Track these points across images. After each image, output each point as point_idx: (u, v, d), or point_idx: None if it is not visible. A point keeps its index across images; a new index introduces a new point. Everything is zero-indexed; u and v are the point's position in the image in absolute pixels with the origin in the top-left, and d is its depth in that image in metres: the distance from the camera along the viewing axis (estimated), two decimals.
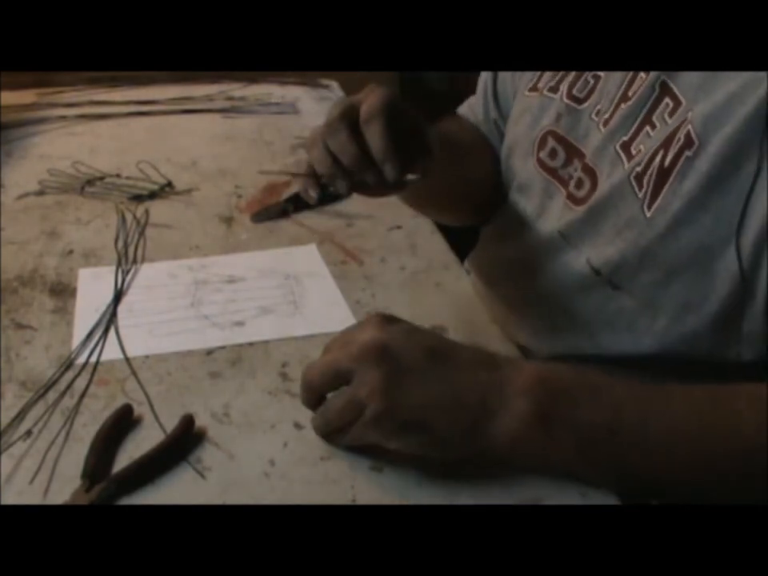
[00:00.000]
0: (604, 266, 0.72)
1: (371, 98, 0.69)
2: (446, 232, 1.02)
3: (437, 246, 0.98)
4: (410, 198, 0.93)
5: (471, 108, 1.01)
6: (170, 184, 1.11)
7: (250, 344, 0.79)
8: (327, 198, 1.09)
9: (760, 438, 0.57)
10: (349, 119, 0.69)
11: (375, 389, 0.57)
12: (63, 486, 0.62)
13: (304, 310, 0.84)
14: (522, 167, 0.85)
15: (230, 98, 1.44)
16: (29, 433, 0.67)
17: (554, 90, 0.82)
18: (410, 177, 0.69)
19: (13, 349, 0.78)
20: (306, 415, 0.69)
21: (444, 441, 0.59)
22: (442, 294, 0.88)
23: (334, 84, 1.54)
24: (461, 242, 1.01)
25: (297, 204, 1.05)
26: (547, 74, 0.84)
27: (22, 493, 0.62)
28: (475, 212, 0.97)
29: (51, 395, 0.72)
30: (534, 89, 0.85)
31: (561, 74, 0.81)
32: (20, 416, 0.69)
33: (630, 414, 0.59)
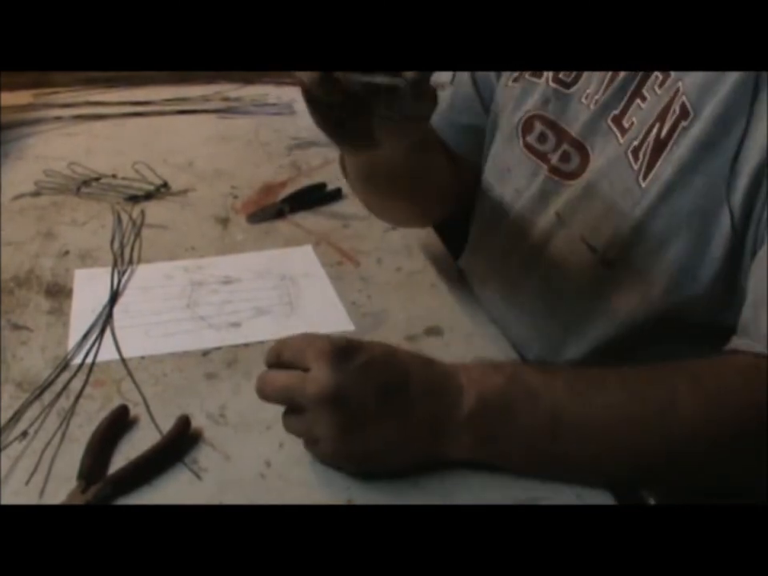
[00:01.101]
0: (599, 242, 0.73)
1: None
2: (442, 233, 1.02)
3: (432, 247, 0.98)
4: (365, 173, 0.85)
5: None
6: (165, 185, 1.11)
7: (246, 345, 0.79)
8: (324, 197, 1.09)
9: (696, 416, 0.59)
10: None
11: (328, 436, 0.60)
12: (59, 486, 0.62)
13: (300, 311, 0.84)
14: (504, 152, 0.85)
15: (226, 99, 1.43)
16: (25, 434, 0.67)
17: (537, 74, 0.81)
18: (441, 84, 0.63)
19: (9, 350, 0.78)
20: None
21: (399, 467, 0.62)
22: (438, 294, 0.88)
23: None
24: (456, 242, 1.01)
25: (293, 205, 1.06)
26: None
27: (17, 493, 0.62)
28: (427, 207, 0.92)
29: (47, 396, 0.72)
30: (516, 80, 0.84)
31: None
32: (16, 417, 0.69)
33: (567, 413, 0.60)
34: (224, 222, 1.03)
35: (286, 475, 0.64)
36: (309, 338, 0.63)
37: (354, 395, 0.59)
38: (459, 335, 0.81)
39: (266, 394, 0.64)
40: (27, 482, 0.62)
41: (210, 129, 1.33)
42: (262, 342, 0.78)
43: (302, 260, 0.94)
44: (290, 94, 1.46)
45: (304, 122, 1.35)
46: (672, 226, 0.67)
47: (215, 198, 1.09)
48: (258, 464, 0.65)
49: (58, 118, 1.34)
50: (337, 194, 1.09)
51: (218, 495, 0.62)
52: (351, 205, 1.05)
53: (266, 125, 1.34)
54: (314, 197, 1.09)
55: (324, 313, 0.84)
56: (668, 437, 0.59)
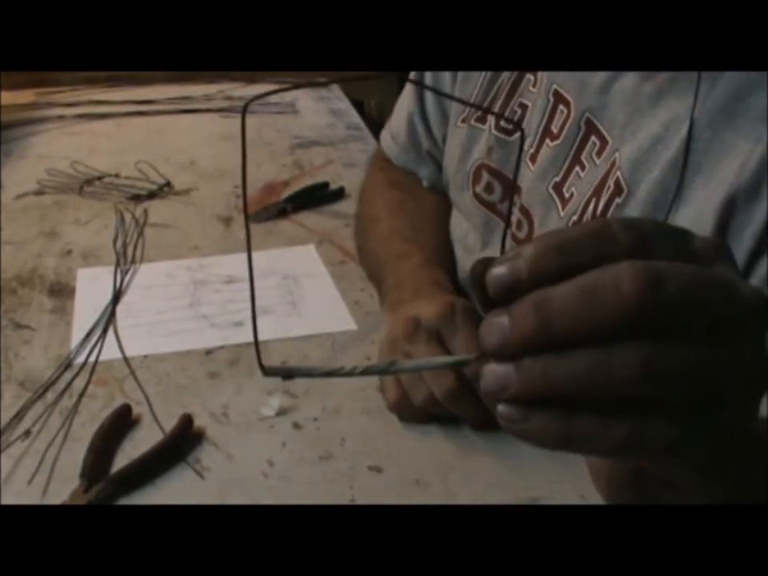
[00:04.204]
0: None
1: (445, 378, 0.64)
2: None
3: None
4: None
5: (392, 149, 0.94)
6: (168, 184, 1.11)
7: (249, 344, 0.79)
8: (327, 196, 1.09)
9: None
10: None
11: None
12: (62, 486, 0.62)
13: (302, 311, 0.84)
14: (461, 200, 0.83)
15: (229, 98, 1.44)
16: (27, 433, 0.67)
17: (482, 120, 0.79)
18: None
19: (11, 349, 0.78)
20: (304, 415, 0.69)
21: None
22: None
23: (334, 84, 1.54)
24: None
25: (295, 204, 1.06)
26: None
27: (20, 493, 0.62)
28: None
29: (50, 395, 0.72)
30: (464, 120, 0.82)
31: (487, 102, 0.78)
32: (19, 416, 0.69)
33: None
34: (227, 221, 1.03)
35: (288, 474, 0.64)
36: (663, 225, 0.37)
37: None
38: None
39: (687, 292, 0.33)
40: (30, 481, 0.62)
41: (213, 128, 1.33)
42: (264, 342, 0.78)
43: (305, 259, 0.94)
44: (293, 93, 1.47)
45: (306, 122, 1.36)
46: None
47: (218, 197, 1.09)
48: (260, 463, 0.65)
49: (61, 117, 1.35)
50: (339, 194, 1.09)
51: (220, 494, 0.62)
52: (353, 204, 1.05)
53: (268, 124, 1.34)
54: (317, 196, 1.09)
55: (326, 312, 0.84)
56: None
